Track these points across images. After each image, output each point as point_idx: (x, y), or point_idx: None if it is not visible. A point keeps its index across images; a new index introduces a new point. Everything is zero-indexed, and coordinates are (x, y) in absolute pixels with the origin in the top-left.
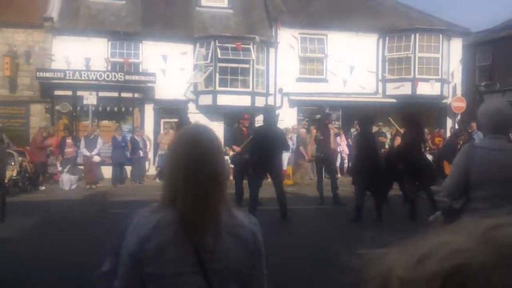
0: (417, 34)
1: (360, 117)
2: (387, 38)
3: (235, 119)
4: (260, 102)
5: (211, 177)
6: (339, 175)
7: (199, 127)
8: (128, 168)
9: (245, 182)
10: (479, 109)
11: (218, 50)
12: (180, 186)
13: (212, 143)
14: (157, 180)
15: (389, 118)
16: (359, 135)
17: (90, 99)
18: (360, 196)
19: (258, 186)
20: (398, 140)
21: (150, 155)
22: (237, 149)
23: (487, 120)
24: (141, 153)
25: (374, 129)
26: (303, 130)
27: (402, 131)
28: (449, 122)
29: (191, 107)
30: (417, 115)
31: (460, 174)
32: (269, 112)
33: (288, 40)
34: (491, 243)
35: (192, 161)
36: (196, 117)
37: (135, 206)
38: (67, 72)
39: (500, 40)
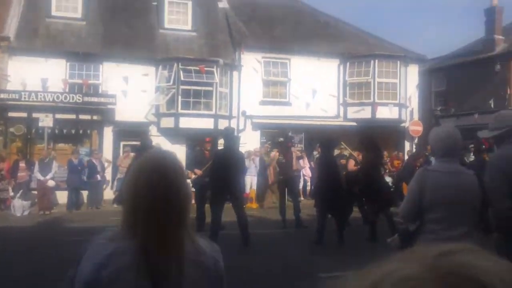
0: (376, 60)
1: (322, 140)
2: (347, 63)
3: (197, 142)
4: (223, 124)
5: (174, 206)
6: (302, 198)
7: (161, 153)
8: (85, 193)
9: (207, 206)
10: (430, 134)
11: (181, 72)
12: (140, 215)
13: (175, 170)
14: (115, 205)
15: (341, 142)
16: (321, 158)
17: (46, 121)
18: (321, 218)
19: (220, 210)
20: (351, 163)
21: (109, 178)
22: (199, 172)
23: (438, 144)
24: (99, 177)
25: (336, 152)
26: (274, 154)
27: (355, 154)
28: (407, 145)
29: (153, 129)
30: (375, 138)
31: (414, 198)
32: (229, 135)
33: (252, 64)
34: (439, 271)
35: (153, 189)
36: (157, 140)
37: (91, 232)
38: (23, 93)
39: (454, 67)
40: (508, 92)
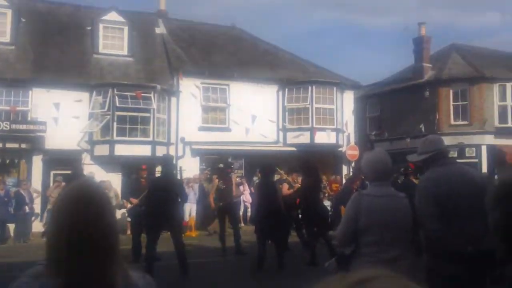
0: (314, 87)
1: (261, 165)
2: (286, 90)
3: (133, 169)
4: (161, 151)
5: (99, 239)
6: (242, 224)
7: (86, 183)
8: (12, 226)
9: (144, 236)
10: (362, 159)
11: (117, 98)
12: (63, 250)
13: (99, 200)
14: (44, 239)
15: (276, 167)
16: (260, 184)
17: None
18: (261, 244)
19: (155, 240)
20: (285, 187)
21: (38, 210)
22: (135, 201)
23: (370, 169)
24: (27, 208)
25: (276, 177)
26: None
27: (290, 178)
28: (344, 169)
29: (86, 157)
30: (314, 162)
31: (349, 222)
32: (167, 162)
33: (190, 89)
34: None
35: (75, 221)
36: (91, 168)
37: (16, 269)
38: None
39: (387, 93)
40: (437, 117)
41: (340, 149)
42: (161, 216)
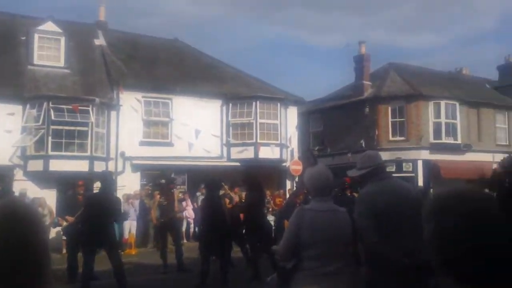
0: (258, 102)
1: (206, 181)
2: (230, 104)
3: (69, 186)
4: (99, 167)
5: (28, 262)
6: (184, 241)
7: (13, 202)
8: None
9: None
10: (304, 174)
11: (52, 111)
12: None
13: (28, 221)
14: None
15: (221, 182)
16: (206, 199)
17: None
18: (205, 260)
19: (92, 259)
20: (225, 202)
21: None
22: (70, 219)
23: (312, 184)
24: None
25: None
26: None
27: (233, 193)
28: (288, 184)
29: (18, 173)
30: (258, 177)
31: (291, 236)
32: (107, 179)
33: (131, 103)
34: None
35: (2, 243)
36: (24, 185)
37: None
38: None
39: (329, 109)
40: (376, 133)
41: (284, 164)
42: (98, 235)
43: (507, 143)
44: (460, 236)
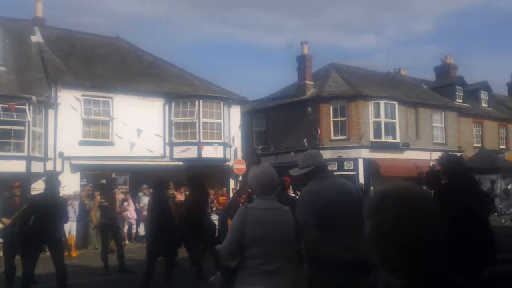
0: (201, 101)
1: (154, 181)
2: (172, 103)
3: (5, 187)
4: (37, 167)
5: None
6: (127, 242)
7: None
8: None
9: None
10: (249, 173)
11: None
12: None
13: None
14: None
15: (168, 181)
16: (153, 200)
17: None
18: (152, 262)
19: (33, 262)
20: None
21: None
22: (7, 221)
23: (256, 182)
24: None
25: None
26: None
27: (177, 193)
28: (232, 183)
29: None
30: (202, 177)
31: (235, 234)
32: (52, 179)
33: (70, 102)
34: None
35: None
36: None
37: None
38: None
39: (272, 108)
40: (319, 132)
41: (227, 163)
42: (42, 237)
43: (444, 142)
44: (397, 233)
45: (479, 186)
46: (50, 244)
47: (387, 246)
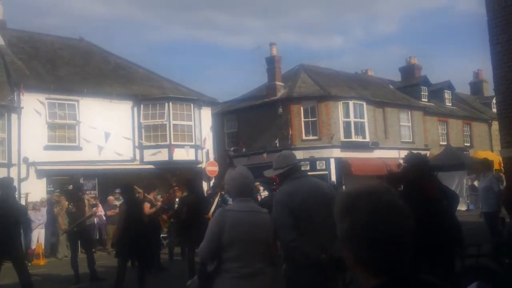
0: (171, 103)
1: (121, 186)
2: (142, 106)
3: None
4: (0, 173)
5: None
6: (100, 247)
7: None
8: None
9: None
10: (225, 175)
11: None
12: None
13: None
14: None
15: (134, 185)
16: (124, 205)
17: None
18: (122, 268)
19: None
20: (146, 207)
21: None
22: None
23: (233, 185)
24: None
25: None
26: (111, 198)
27: (150, 196)
28: (205, 185)
29: None
30: (193, 180)
31: (213, 237)
32: (6, 185)
33: (34, 105)
34: None
35: None
36: None
37: None
38: None
39: (244, 110)
40: (290, 132)
41: (199, 165)
42: (3, 245)
43: (411, 140)
44: (372, 231)
45: (441, 183)
46: (9, 254)
47: (362, 245)
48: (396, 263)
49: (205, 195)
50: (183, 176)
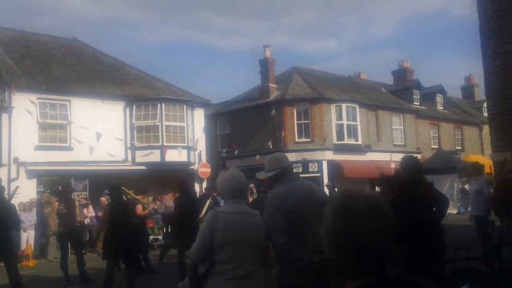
0: (163, 104)
1: (109, 188)
2: (134, 107)
3: None
4: None
5: None
6: (90, 248)
7: None
8: None
9: None
10: (218, 178)
11: None
12: None
13: None
14: None
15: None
16: (111, 206)
17: None
18: (110, 269)
19: None
20: (139, 208)
21: None
22: None
23: (226, 187)
24: None
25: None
26: (103, 199)
27: (139, 197)
28: (197, 187)
29: None
30: (186, 182)
31: (205, 238)
32: None
33: (25, 105)
34: None
35: None
36: None
37: None
38: None
39: (236, 111)
40: (283, 134)
41: (192, 166)
42: None
43: (403, 143)
44: (359, 233)
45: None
46: (4, 254)
47: (348, 248)
48: (382, 264)
49: (197, 196)
50: (175, 178)
